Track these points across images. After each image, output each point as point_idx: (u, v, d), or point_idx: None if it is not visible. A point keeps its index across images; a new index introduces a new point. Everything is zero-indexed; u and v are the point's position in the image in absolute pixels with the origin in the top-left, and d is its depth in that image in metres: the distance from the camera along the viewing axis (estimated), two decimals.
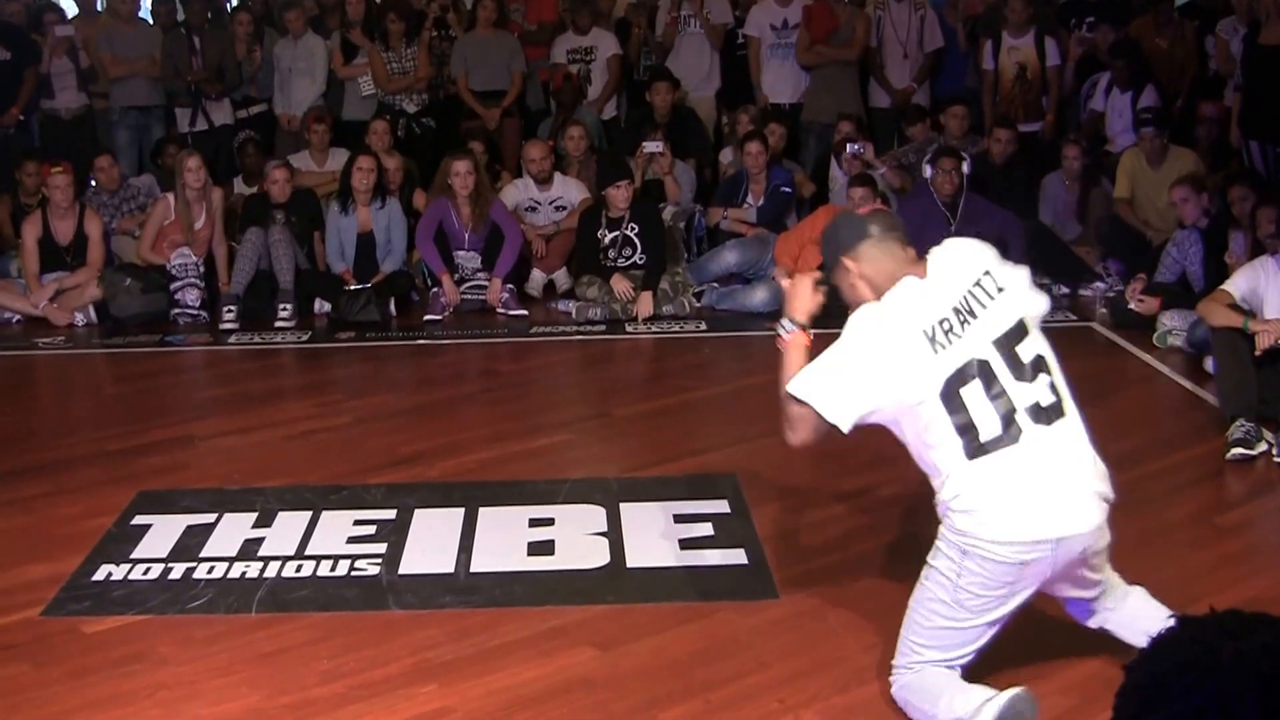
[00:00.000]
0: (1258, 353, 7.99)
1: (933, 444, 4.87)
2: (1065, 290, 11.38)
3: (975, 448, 4.78)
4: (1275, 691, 1.61)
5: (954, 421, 4.79)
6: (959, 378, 4.80)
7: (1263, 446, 7.79)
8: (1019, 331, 4.92)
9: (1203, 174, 11.37)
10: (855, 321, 4.98)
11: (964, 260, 5.06)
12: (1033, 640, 5.33)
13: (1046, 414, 4.87)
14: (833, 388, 4.90)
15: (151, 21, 14.28)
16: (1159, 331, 10.03)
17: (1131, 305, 10.43)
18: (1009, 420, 4.80)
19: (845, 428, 4.87)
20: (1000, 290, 4.95)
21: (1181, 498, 7.28)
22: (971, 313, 4.87)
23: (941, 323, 4.84)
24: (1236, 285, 8.40)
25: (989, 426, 4.78)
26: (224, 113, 13.81)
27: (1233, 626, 1.74)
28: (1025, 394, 4.84)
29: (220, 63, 13.68)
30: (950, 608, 4.89)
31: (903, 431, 4.99)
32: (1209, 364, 9.00)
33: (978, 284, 4.94)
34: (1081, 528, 4.85)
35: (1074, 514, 4.86)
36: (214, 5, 14.56)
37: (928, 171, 11.32)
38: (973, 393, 4.79)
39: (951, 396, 4.80)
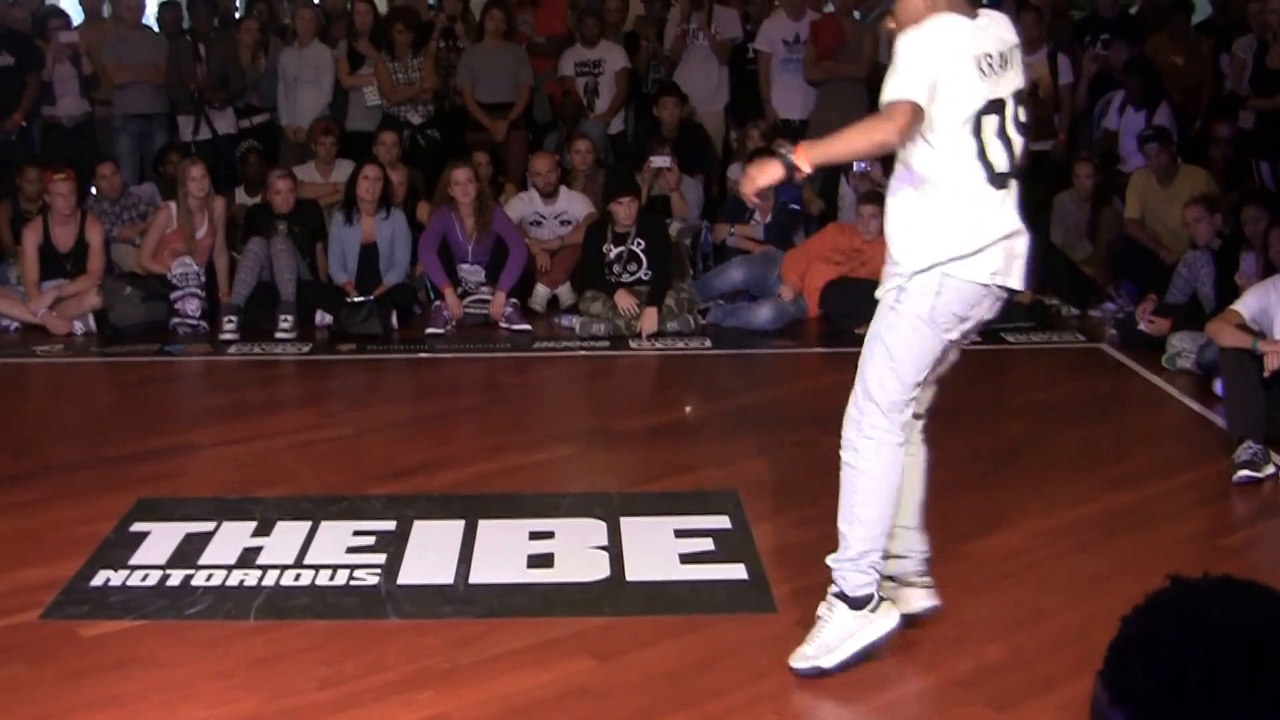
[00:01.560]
0: (1266, 374, 8.06)
1: (950, 161, 5.34)
2: (1075, 311, 11.46)
3: (992, 176, 5.36)
4: (1258, 650, 1.71)
5: (975, 146, 5.32)
6: (989, 108, 5.32)
7: (1270, 469, 7.85)
8: (1021, 98, 5.48)
9: (1215, 194, 11.45)
10: (916, 34, 5.30)
11: (1005, 24, 5.57)
12: (1033, 657, 5.44)
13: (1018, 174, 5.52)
14: (908, 80, 5.21)
15: (157, 29, 14.40)
16: (1168, 353, 10.10)
17: (1141, 326, 10.51)
18: (1009, 164, 5.40)
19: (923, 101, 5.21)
20: (1019, 63, 5.52)
21: (1186, 518, 7.37)
22: (1005, 62, 5.39)
23: (987, 56, 5.33)
24: (1246, 305, 8.47)
25: (999, 162, 5.37)
26: (227, 121, 13.90)
27: (1224, 589, 1.83)
28: (1018, 149, 5.44)
29: (225, 71, 13.79)
30: (926, 326, 5.41)
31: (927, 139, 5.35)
32: (1218, 386, 9.07)
33: (1013, 47, 5.49)
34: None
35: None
36: (219, 13, 14.66)
37: None
38: (990, 127, 5.34)
39: (979, 123, 5.31)
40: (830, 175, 13.43)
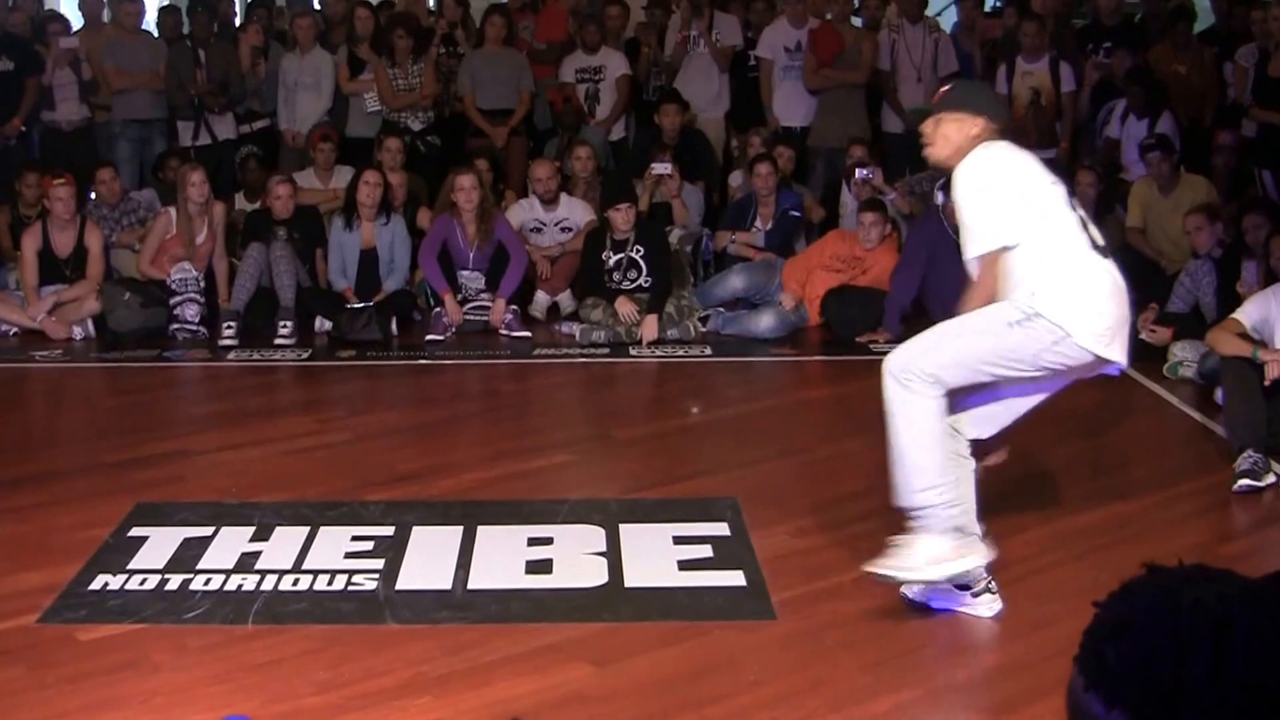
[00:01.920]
0: (1267, 382, 8.08)
1: (1053, 236, 5.96)
2: None
3: (1094, 244, 6.03)
4: (1225, 633, 1.75)
5: (1074, 219, 6.04)
6: (1066, 202, 6.09)
7: (1270, 478, 7.87)
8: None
9: (1216, 203, 11.47)
10: (982, 160, 6.03)
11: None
12: (1032, 665, 5.46)
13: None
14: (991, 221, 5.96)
15: (156, 34, 14.43)
16: (1170, 362, 10.12)
17: (1143, 335, 10.51)
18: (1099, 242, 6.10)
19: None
20: None
21: (1187, 527, 7.38)
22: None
23: (1044, 166, 6.20)
24: (1247, 314, 8.50)
25: (1094, 235, 6.09)
26: (227, 127, 13.92)
27: (1196, 576, 1.87)
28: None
29: (225, 76, 13.82)
30: (1009, 351, 5.87)
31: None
32: (1219, 396, 9.10)
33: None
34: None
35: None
36: (219, 18, 14.69)
37: (940, 198, 11.40)
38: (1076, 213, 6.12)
39: (1067, 207, 6.09)
40: (831, 182, 13.48)
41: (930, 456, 5.88)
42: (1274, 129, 11.51)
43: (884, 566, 5.95)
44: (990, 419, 6.24)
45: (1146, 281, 11.46)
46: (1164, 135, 12.20)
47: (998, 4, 15.84)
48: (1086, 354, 5.87)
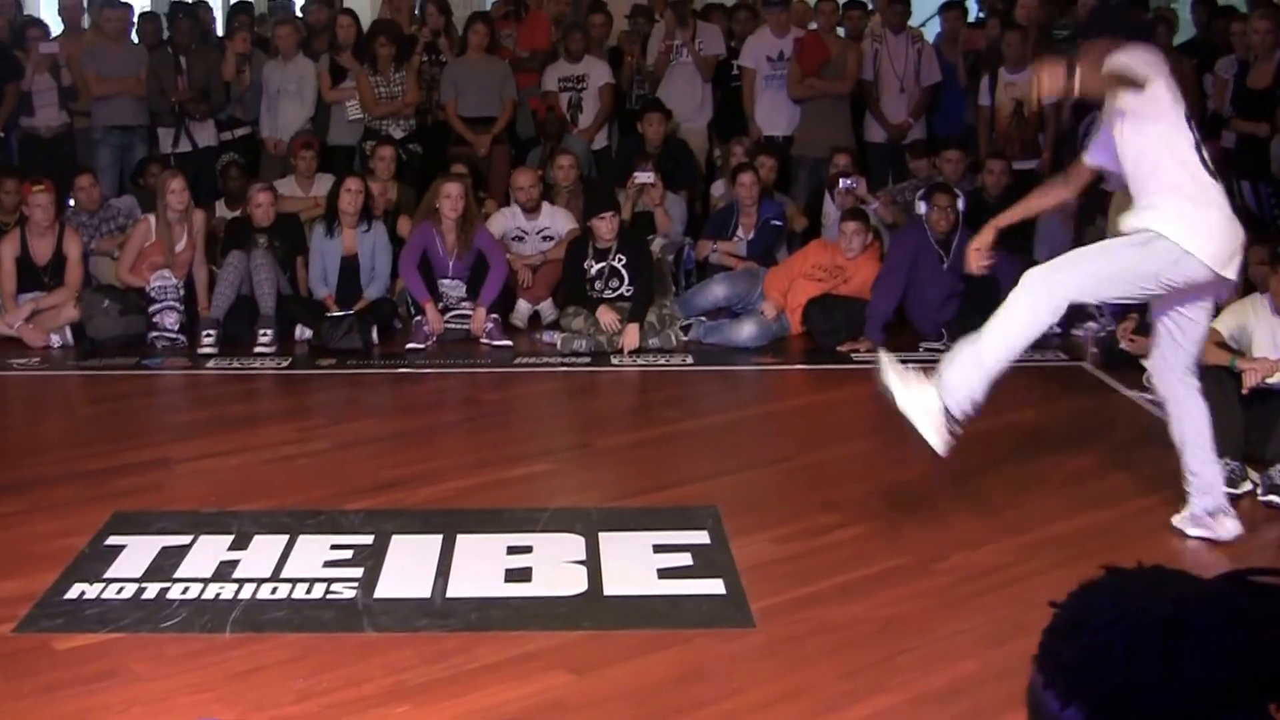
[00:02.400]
0: (1244, 390, 8.15)
1: (1175, 159, 6.45)
2: (1057, 330, 11.47)
3: (1210, 171, 6.53)
4: (1174, 635, 1.81)
5: (1192, 139, 6.49)
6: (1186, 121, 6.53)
7: (1247, 486, 7.93)
8: None
9: None
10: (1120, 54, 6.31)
11: None
12: (1009, 672, 5.47)
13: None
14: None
15: (137, 40, 14.42)
16: (1149, 372, 10.14)
17: (1123, 345, 10.55)
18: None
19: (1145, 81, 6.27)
20: None
21: (1165, 535, 7.37)
22: None
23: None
24: (1225, 323, 8.54)
25: (1206, 157, 6.58)
26: (208, 134, 13.91)
27: (1152, 578, 1.94)
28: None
29: (206, 83, 13.83)
30: (1138, 263, 6.45)
31: (1150, 146, 6.49)
32: None
33: None
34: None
35: None
36: (200, 25, 14.68)
37: (922, 208, 11.44)
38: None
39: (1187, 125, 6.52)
40: (814, 192, 13.51)
41: (1003, 358, 6.67)
42: (1253, 140, 11.55)
43: (890, 368, 6.79)
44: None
45: None
46: None
47: (981, 14, 15.87)
48: (1207, 271, 6.40)
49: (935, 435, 6.58)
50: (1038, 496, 7.71)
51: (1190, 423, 7.12)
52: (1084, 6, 14.12)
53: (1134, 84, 6.22)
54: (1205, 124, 12.95)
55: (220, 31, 15.83)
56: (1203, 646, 1.83)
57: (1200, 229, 6.39)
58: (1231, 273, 6.54)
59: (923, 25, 15.58)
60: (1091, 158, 7.01)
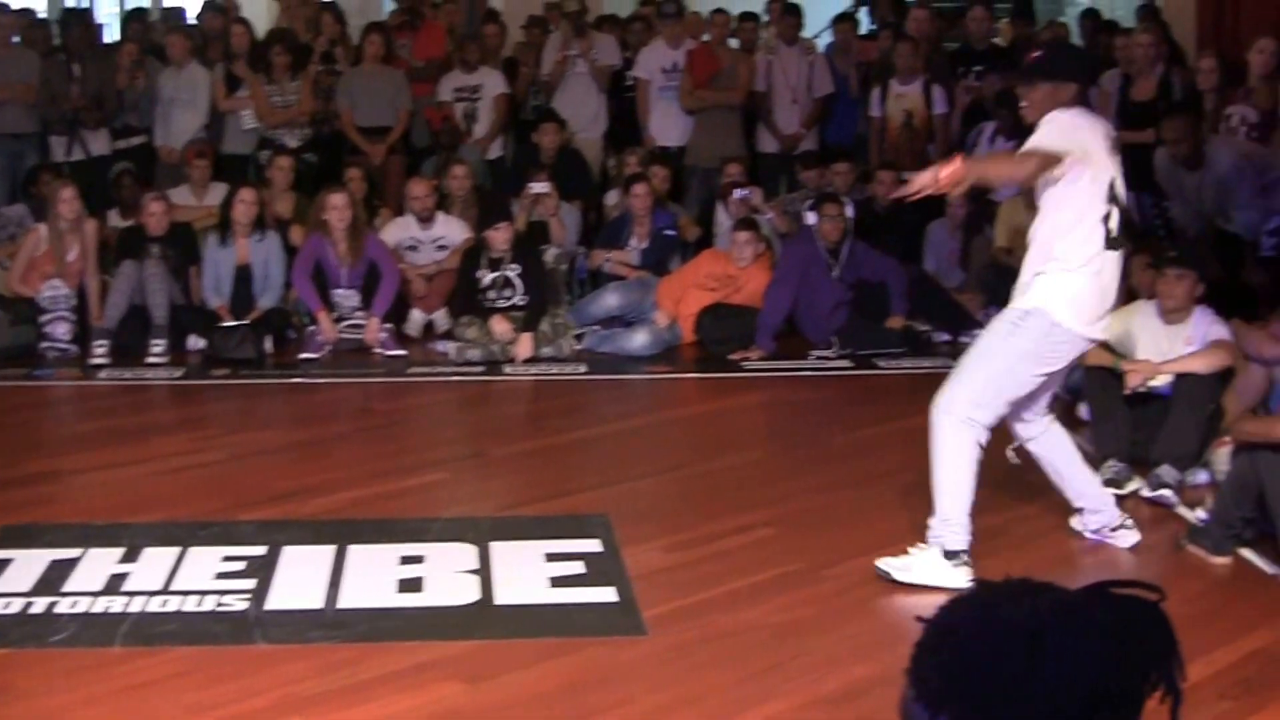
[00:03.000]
0: (1126, 391, 8.26)
1: (1076, 225, 6.43)
2: (946, 337, 11.55)
3: (1109, 241, 6.47)
4: (1037, 646, 1.86)
5: (1102, 210, 6.44)
6: (1111, 182, 6.47)
7: (1133, 486, 8.01)
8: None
9: None
10: (1058, 118, 6.39)
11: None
12: (899, 676, 5.46)
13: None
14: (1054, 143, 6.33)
15: (27, 47, 14.22)
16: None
17: None
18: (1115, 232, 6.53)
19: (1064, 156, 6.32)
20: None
21: (1050, 539, 7.44)
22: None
23: (1109, 137, 6.60)
24: (1111, 327, 8.64)
25: (1113, 226, 6.50)
26: (101, 143, 13.75)
27: (1016, 590, 1.98)
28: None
29: (99, 91, 13.68)
30: (1023, 361, 6.51)
31: (1058, 207, 6.47)
32: (1083, 410, 9.21)
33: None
34: None
35: None
36: (93, 33, 14.53)
37: (811, 218, 11.46)
38: (1111, 194, 6.49)
39: (1107, 192, 6.46)
40: (706, 201, 13.52)
41: (967, 488, 6.61)
42: (1137, 152, 11.61)
43: (886, 564, 6.65)
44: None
45: (1011, 297, 11.58)
46: None
47: (873, 27, 15.95)
48: (1076, 336, 6.56)
49: (953, 578, 6.52)
50: (928, 502, 7.72)
51: (1059, 452, 7.17)
52: (972, 20, 14.24)
53: (1054, 162, 6.31)
54: None
55: (113, 38, 15.66)
56: (1064, 657, 1.88)
57: (1069, 297, 6.48)
58: (1097, 334, 6.73)
59: (815, 37, 15.64)
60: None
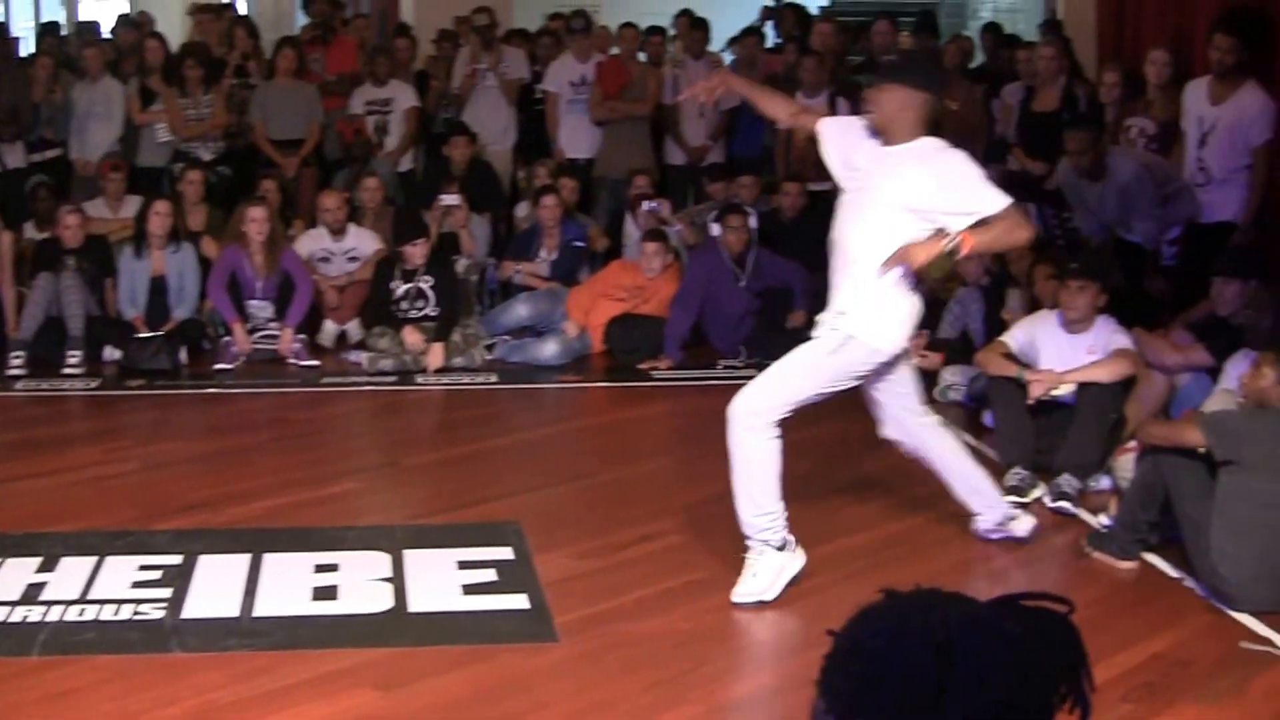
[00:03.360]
0: (1030, 400, 8.35)
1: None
2: None
3: None
4: (947, 657, 1.88)
5: None
6: None
7: (1036, 493, 8.10)
8: None
9: None
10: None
11: None
12: (804, 684, 5.54)
13: None
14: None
15: None
16: (940, 386, 10.32)
17: (914, 360, 10.71)
18: None
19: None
20: None
21: (954, 545, 7.51)
22: None
23: None
24: (1015, 337, 8.76)
25: None
26: (17, 156, 13.62)
27: (926, 601, 1.99)
28: None
29: (15, 105, 13.60)
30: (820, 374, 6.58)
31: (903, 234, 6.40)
32: (987, 418, 9.32)
33: None
34: None
35: None
36: (8, 46, 14.45)
37: (715, 229, 11.53)
38: None
39: None
40: (615, 213, 13.58)
41: (772, 488, 6.55)
42: (1040, 162, 11.75)
43: (745, 595, 6.52)
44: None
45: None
46: None
47: (779, 40, 16.03)
48: (895, 354, 6.70)
49: (794, 564, 6.66)
50: (834, 509, 7.79)
51: (949, 456, 7.26)
52: (876, 34, 14.34)
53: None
54: (994, 148, 13.22)
55: (28, 52, 15.58)
56: (974, 669, 1.88)
57: (891, 323, 6.57)
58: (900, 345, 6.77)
59: (722, 51, 15.73)
60: (826, 125, 7.01)
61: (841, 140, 6.76)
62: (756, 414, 6.49)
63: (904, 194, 6.37)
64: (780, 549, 6.58)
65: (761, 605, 6.49)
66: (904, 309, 6.58)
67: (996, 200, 6.39)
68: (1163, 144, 10.96)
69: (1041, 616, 2.01)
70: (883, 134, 6.53)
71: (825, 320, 6.64)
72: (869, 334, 6.50)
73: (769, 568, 6.54)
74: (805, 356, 6.61)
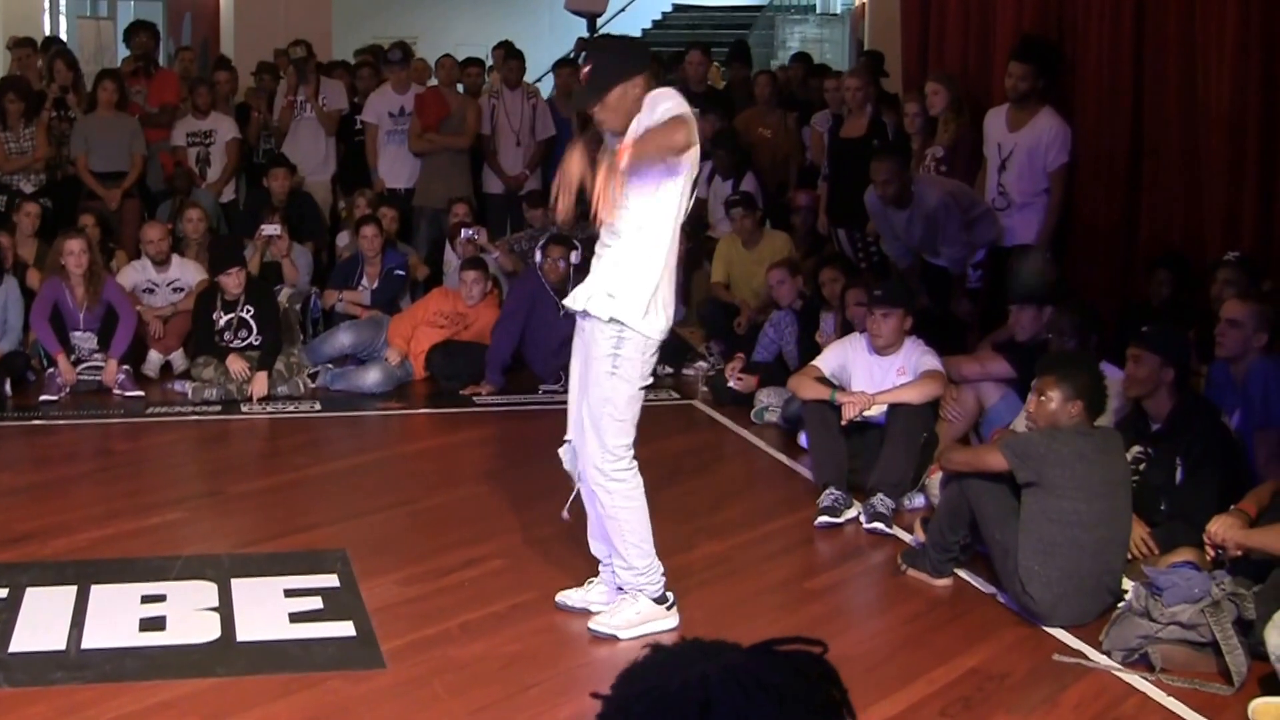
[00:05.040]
0: (843, 422, 8.36)
1: (668, 223, 6.16)
2: (669, 370, 11.65)
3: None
4: (709, 713, 1.89)
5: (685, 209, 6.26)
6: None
7: (851, 513, 8.16)
8: None
9: (797, 258, 11.81)
10: (666, 93, 6.13)
11: None
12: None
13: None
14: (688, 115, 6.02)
15: None
16: (756, 408, 10.38)
17: (731, 383, 10.79)
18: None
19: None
20: None
21: (775, 564, 7.56)
22: None
23: None
24: (827, 361, 8.81)
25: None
26: None
27: (689, 655, 2.01)
28: None
29: None
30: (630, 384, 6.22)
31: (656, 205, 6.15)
32: (802, 439, 9.36)
33: None
34: None
35: None
36: None
37: (538, 257, 11.51)
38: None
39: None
40: (435, 241, 13.54)
41: (643, 539, 6.43)
42: (847, 191, 11.83)
43: (602, 625, 6.45)
44: None
45: (731, 332, 11.77)
46: (747, 193, 12.50)
47: None
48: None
49: (668, 621, 6.49)
50: (656, 531, 7.76)
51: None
52: (690, 64, 14.40)
53: (684, 147, 6.01)
54: (804, 174, 13.32)
55: None
56: None
57: (655, 307, 6.20)
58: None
59: (538, 81, 15.74)
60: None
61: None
62: (602, 467, 6.29)
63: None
64: (659, 602, 6.48)
65: (575, 624, 6.54)
66: (664, 294, 6.25)
67: (661, 113, 5.96)
68: (952, 168, 11.10)
69: (799, 660, 2.03)
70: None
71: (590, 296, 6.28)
72: (638, 323, 6.16)
73: (636, 615, 6.43)
74: (594, 379, 6.25)
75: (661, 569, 6.49)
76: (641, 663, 2.02)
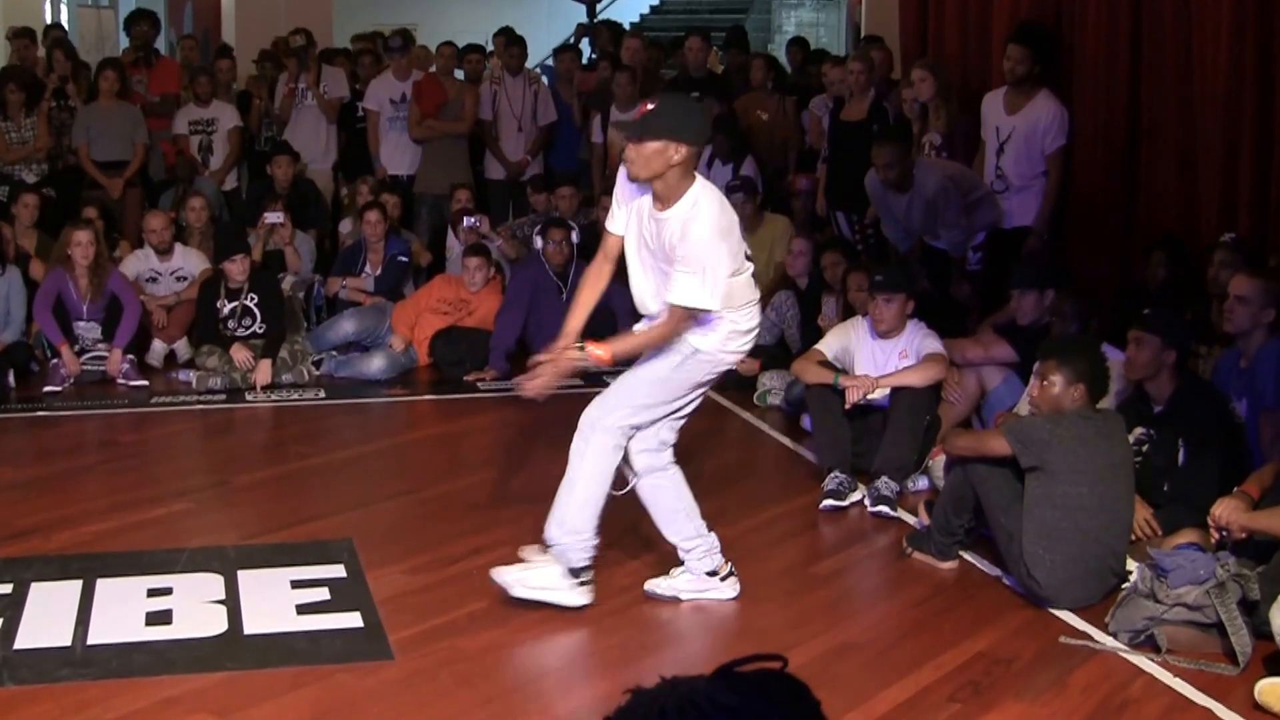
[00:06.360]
0: (847, 406, 8.30)
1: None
2: None
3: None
4: None
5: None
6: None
7: (855, 496, 8.12)
8: None
9: (818, 239, 11.76)
10: (715, 206, 6.15)
11: None
12: None
13: None
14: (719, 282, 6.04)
15: None
16: (759, 391, 10.33)
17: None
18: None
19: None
20: None
21: (781, 549, 7.50)
22: None
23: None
24: (829, 345, 8.74)
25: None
26: None
27: (661, 692, 2.00)
28: None
29: None
30: (683, 380, 6.32)
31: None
32: (805, 422, 9.30)
33: None
34: None
35: None
36: None
37: (538, 243, 11.46)
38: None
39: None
40: (437, 228, 13.49)
41: (592, 514, 6.36)
42: (846, 174, 11.77)
43: (503, 574, 6.50)
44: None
45: None
46: (748, 177, 12.41)
47: (593, 57, 16.01)
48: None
49: (573, 597, 6.43)
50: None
51: (672, 491, 6.74)
52: (689, 50, 14.31)
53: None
54: (803, 159, 13.25)
55: None
56: None
57: (736, 330, 6.30)
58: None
59: (538, 67, 15.67)
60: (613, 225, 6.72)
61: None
62: (605, 432, 6.31)
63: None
64: (572, 574, 6.43)
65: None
66: (742, 316, 6.33)
67: (683, 292, 6.01)
68: (951, 153, 11.05)
69: (760, 679, 2.01)
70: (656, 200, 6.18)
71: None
72: (716, 345, 6.25)
73: (546, 580, 6.46)
74: (657, 373, 6.32)
75: (593, 547, 6.43)
76: (620, 709, 2.01)
